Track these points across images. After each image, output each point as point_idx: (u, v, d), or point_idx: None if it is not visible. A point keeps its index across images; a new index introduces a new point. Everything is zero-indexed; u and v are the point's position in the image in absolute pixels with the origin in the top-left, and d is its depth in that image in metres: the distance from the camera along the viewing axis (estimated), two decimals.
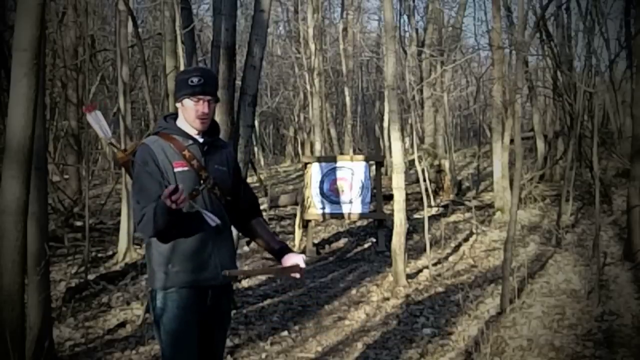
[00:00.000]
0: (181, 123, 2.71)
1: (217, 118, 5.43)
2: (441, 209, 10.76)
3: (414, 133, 9.22)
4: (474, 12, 47.64)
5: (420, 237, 8.43)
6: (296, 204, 9.95)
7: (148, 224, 2.51)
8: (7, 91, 3.89)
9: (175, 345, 2.61)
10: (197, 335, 2.66)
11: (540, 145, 11.95)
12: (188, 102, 2.64)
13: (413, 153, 9.18)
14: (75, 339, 5.18)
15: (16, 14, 3.35)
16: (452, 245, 8.45)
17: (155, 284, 2.63)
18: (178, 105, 2.70)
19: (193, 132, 2.69)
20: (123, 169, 2.92)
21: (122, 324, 5.60)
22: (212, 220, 2.57)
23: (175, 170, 2.61)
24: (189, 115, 2.66)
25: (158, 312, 2.62)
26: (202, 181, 2.64)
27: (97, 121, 2.79)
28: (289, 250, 2.78)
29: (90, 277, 7.02)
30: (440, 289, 6.47)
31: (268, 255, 8.40)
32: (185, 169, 2.62)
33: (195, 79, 2.62)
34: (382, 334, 5.17)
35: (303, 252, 8.86)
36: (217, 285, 2.67)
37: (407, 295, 6.31)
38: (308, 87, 16.68)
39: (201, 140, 2.70)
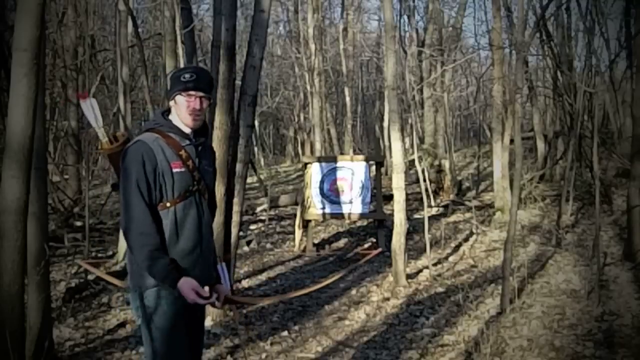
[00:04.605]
0: (176, 122, 2.71)
1: (217, 118, 5.43)
2: (441, 209, 10.76)
3: (414, 133, 9.22)
4: (474, 12, 47.81)
5: (420, 237, 8.42)
6: (296, 204, 9.95)
7: (140, 256, 2.54)
8: (7, 91, 3.88)
9: (168, 343, 2.61)
10: (186, 332, 2.68)
11: (540, 145, 11.95)
12: (180, 99, 2.65)
13: (413, 153, 9.19)
14: (75, 339, 5.18)
15: (16, 14, 3.35)
16: (452, 245, 8.45)
17: (145, 283, 2.61)
18: (172, 103, 2.70)
19: (187, 131, 2.69)
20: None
21: (122, 324, 5.59)
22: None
23: (174, 170, 2.61)
24: (181, 112, 2.65)
25: (149, 311, 2.61)
26: (195, 182, 2.67)
27: (90, 109, 2.79)
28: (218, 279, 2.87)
29: (90, 277, 7.01)
30: (440, 289, 6.47)
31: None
32: (182, 170, 2.63)
33: (187, 75, 2.63)
34: (382, 334, 5.17)
35: (303, 251, 8.85)
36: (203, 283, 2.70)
37: (407, 295, 6.31)
38: (308, 87, 16.69)
39: (195, 141, 2.71)
